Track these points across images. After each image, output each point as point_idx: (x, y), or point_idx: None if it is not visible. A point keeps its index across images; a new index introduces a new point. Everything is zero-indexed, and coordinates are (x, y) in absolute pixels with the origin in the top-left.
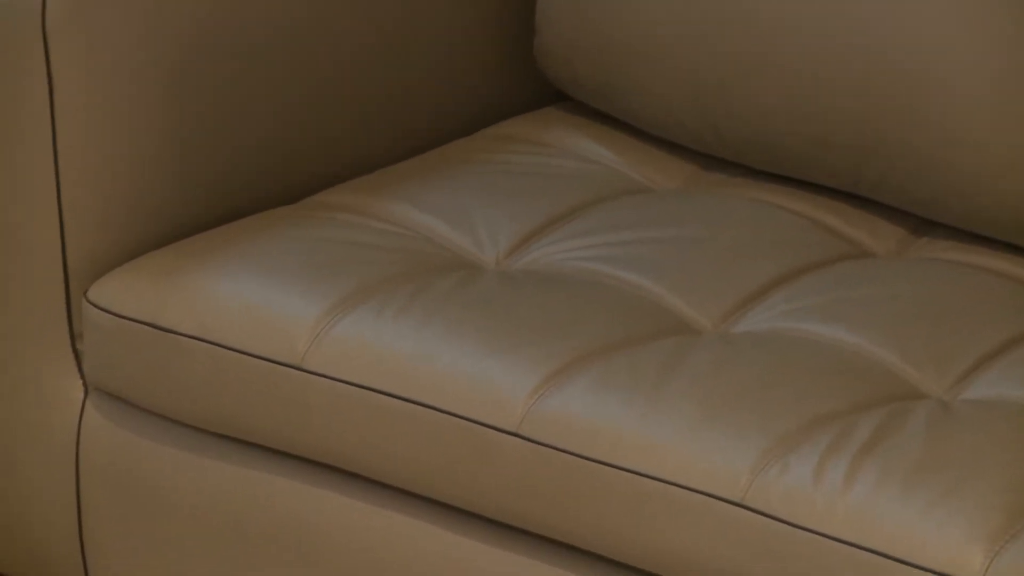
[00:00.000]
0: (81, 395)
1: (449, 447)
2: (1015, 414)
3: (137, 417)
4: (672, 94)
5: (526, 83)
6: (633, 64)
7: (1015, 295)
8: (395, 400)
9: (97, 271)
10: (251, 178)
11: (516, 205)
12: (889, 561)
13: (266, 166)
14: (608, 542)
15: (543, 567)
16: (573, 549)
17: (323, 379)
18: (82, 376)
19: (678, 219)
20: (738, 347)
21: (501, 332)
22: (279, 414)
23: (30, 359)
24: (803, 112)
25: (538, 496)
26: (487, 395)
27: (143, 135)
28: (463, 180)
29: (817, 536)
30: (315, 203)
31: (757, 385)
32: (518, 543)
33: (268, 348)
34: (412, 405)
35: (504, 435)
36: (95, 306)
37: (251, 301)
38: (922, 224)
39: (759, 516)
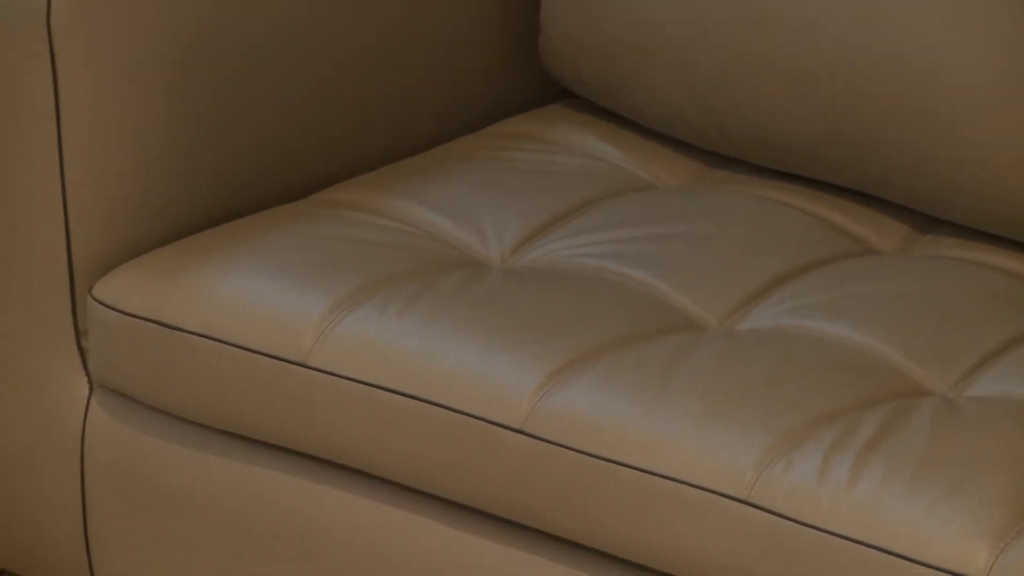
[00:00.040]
0: (86, 392)
1: (454, 444)
2: (1020, 411)
3: (142, 414)
4: (676, 91)
5: (531, 80)
6: (637, 61)
7: (1020, 292)
8: (400, 397)
9: (102, 268)
10: (255, 176)
11: (521, 202)
12: (894, 558)
13: (270, 164)
14: (612, 539)
15: (547, 564)
16: (577, 546)
17: (328, 376)
18: (87, 373)
19: (683, 216)
20: (743, 344)
21: (506, 329)
22: (284, 411)
23: (35, 356)
24: (807, 109)
25: (542, 493)
26: (492, 392)
27: (147, 133)
28: (468, 177)
29: (822, 533)
30: (320, 200)
31: (762, 382)
32: (522, 540)
33: (273, 345)
34: (417, 402)
35: (509, 432)
36: (100, 303)
37: (256, 298)
38: (927, 221)
39: (764, 513)
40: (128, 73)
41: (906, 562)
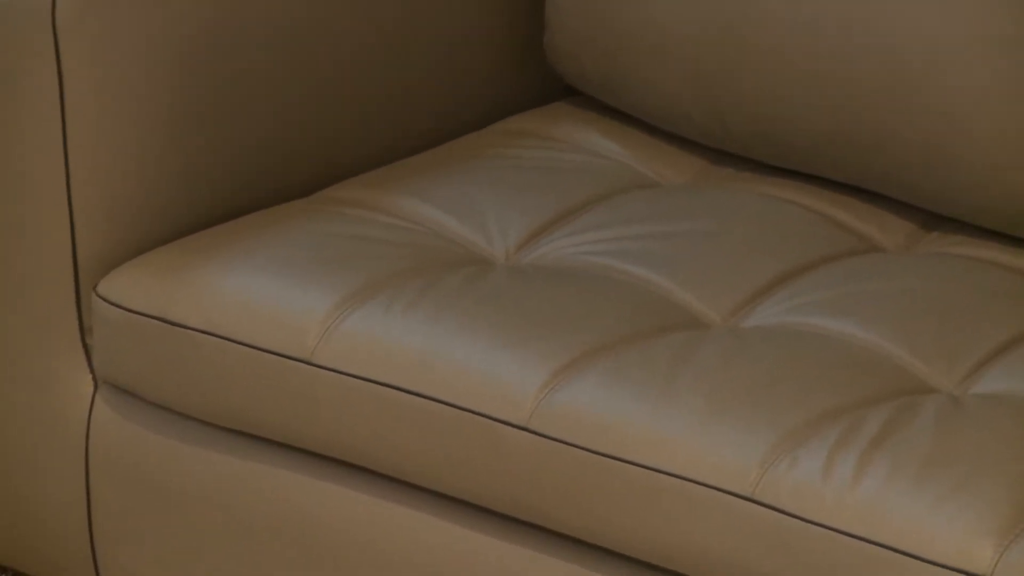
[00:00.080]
0: (91, 389)
1: (458, 441)
2: None
3: (146, 411)
4: (681, 89)
5: (535, 78)
6: (642, 59)
7: None
8: (405, 394)
9: (106, 266)
10: (259, 174)
11: (525, 200)
12: (898, 555)
13: (273, 162)
14: (617, 536)
15: (551, 561)
16: (582, 543)
17: (333, 373)
18: (91, 370)
19: (687, 214)
20: (747, 341)
21: (510, 327)
22: (288, 408)
23: (40, 354)
24: (811, 107)
25: (547, 490)
26: (497, 389)
27: (151, 132)
28: (472, 175)
29: (826, 530)
30: (324, 198)
31: (767, 379)
32: (527, 537)
33: (277, 343)
34: (422, 399)
35: (513, 429)
36: (105, 300)
37: (260, 295)
38: (931, 219)
39: (769, 510)
40: (132, 72)
41: (911, 559)
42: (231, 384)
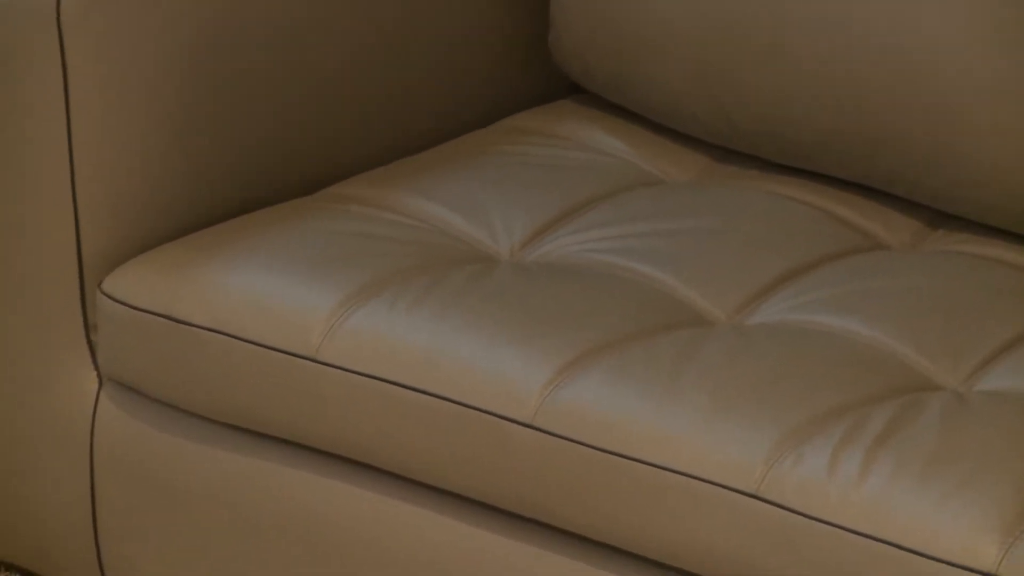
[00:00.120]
0: (95, 386)
1: (463, 439)
2: None
3: (151, 408)
4: (686, 86)
5: (540, 76)
6: (647, 56)
7: None
8: (409, 392)
9: (111, 263)
10: (264, 171)
11: (530, 197)
12: (903, 552)
13: (279, 159)
14: (622, 533)
15: (556, 558)
16: (586, 540)
17: (337, 371)
18: (96, 367)
19: (692, 211)
20: (752, 339)
21: (515, 324)
22: (293, 405)
23: (45, 351)
24: (816, 104)
25: (551, 487)
26: (501, 387)
27: (156, 130)
28: (477, 172)
29: (831, 527)
30: (329, 195)
31: (771, 377)
32: (532, 534)
33: (282, 340)
34: (426, 397)
35: (518, 426)
36: (109, 298)
37: (265, 293)
38: (937, 217)
39: (773, 507)
40: (137, 70)
41: (916, 556)
42: (235, 381)
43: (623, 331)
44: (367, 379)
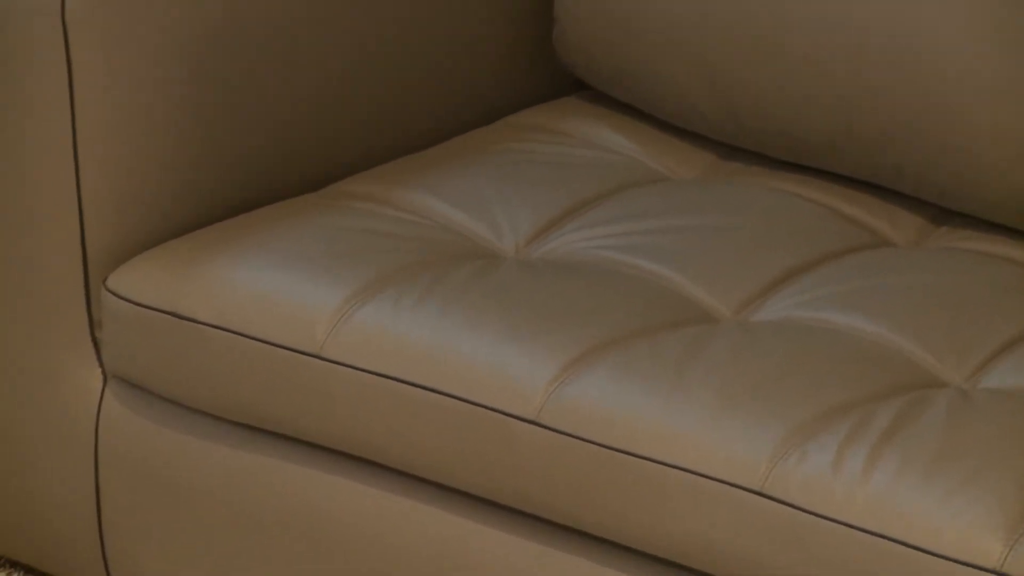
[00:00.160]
0: (100, 383)
1: (468, 435)
2: None
3: (155, 405)
4: (691, 83)
5: (545, 72)
6: (652, 53)
7: None
8: (413, 388)
9: (116, 260)
10: (269, 168)
11: (535, 194)
12: (908, 549)
13: (284, 156)
14: (627, 530)
15: (560, 555)
16: (591, 537)
17: (342, 367)
18: (101, 364)
19: (697, 208)
20: (757, 336)
21: (520, 321)
22: (298, 402)
23: (49, 348)
24: (822, 101)
25: (556, 484)
26: (506, 383)
27: (161, 126)
28: (482, 169)
29: (836, 524)
30: (334, 192)
31: (776, 374)
32: (536, 531)
33: (287, 336)
34: (430, 393)
35: (523, 423)
36: (114, 294)
37: (269, 289)
38: (941, 214)
39: (778, 504)
40: (142, 66)
41: (921, 553)
42: (240, 378)
43: (628, 328)
44: (371, 375)
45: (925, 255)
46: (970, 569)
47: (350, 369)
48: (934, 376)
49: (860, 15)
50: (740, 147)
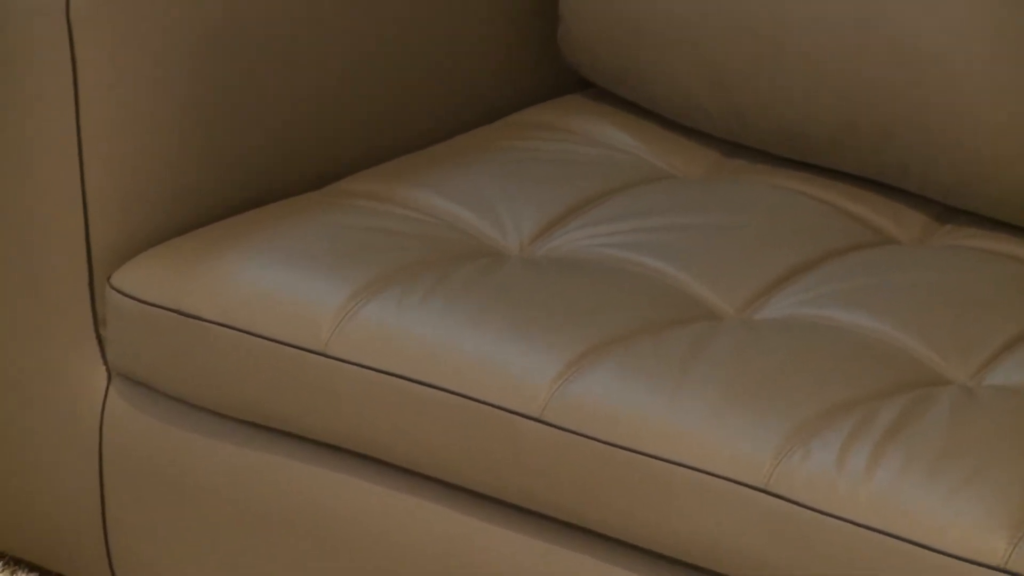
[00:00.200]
0: (104, 381)
1: (472, 433)
2: None
3: (160, 403)
4: (695, 81)
5: (549, 70)
6: (657, 51)
7: None
8: (417, 386)
9: (120, 257)
10: (273, 165)
11: (539, 192)
12: (912, 547)
13: (288, 154)
14: (631, 527)
15: (565, 552)
16: (595, 535)
17: (346, 365)
18: (105, 362)
19: (702, 206)
20: (761, 333)
21: (524, 318)
22: (302, 400)
23: (54, 345)
24: (826, 98)
25: (560, 482)
26: (510, 381)
27: (165, 124)
28: (486, 167)
29: (840, 522)
30: (338, 190)
31: (780, 371)
32: (540, 529)
33: (291, 334)
34: (434, 391)
35: (527, 421)
36: (119, 292)
37: (274, 287)
38: (946, 211)
39: (782, 501)
40: (147, 64)
41: (924, 551)
42: (244, 376)
43: (632, 325)
44: (376, 373)
45: (929, 253)
46: (974, 566)
47: (355, 367)
48: (938, 374)
49: (862, 13)
50: (744, 145)
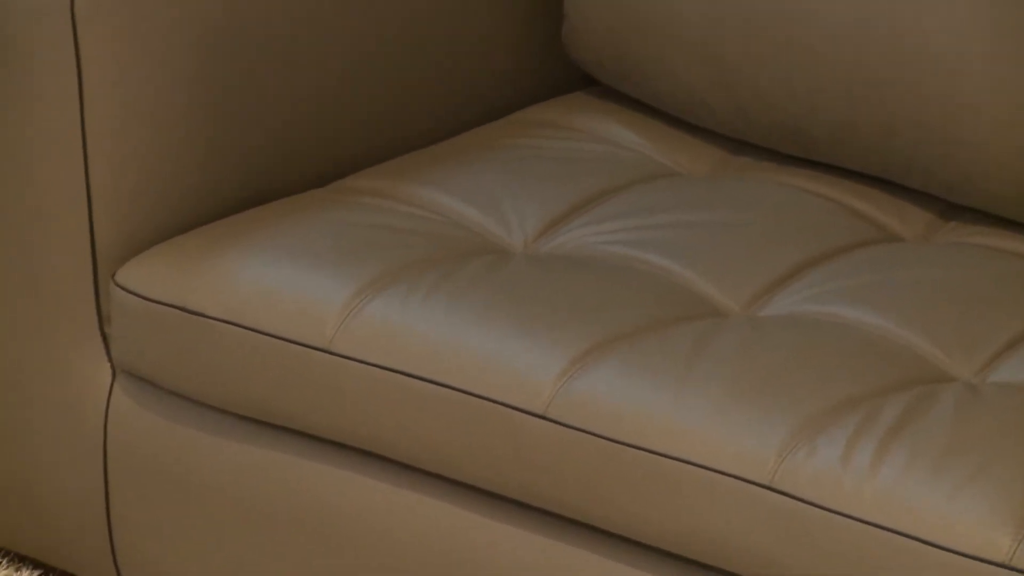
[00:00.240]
0: (109, 378)
1: (477, 430)
2: None
3: (165, 400)
4: (701, 78)
5: (554, 68)
6: (661, 49)
7: None
8: (422, 383)
9: (125, 255)
10: (277, 162)
11: (544, 189)
12: (916, 543)
13: (292, 151)
14: (635, 524)
15: (569, 549)
16: (599, 531)
17: (351, 362)
18: (110, 359)
19: (706, 204)
20: (766, 330)
21: (529, 315)
22: (307, 397)
23: (59, 342)
24: (831, 96)
25: (565, 479)
26: (515, 378)
27: (170, 122)
28: (491, 165)
29: (844, 518)
30: (342, 187)
31: (785, 368)
32: (545, 525)
33: (296, 331)
34: (438, 387)
35: (532, 418)
36: (123, 289)
37: (278, 284)
38: (950, 208)
39: (787, 498)
40: (151, 62)
41: (928, 547)
42: (249, 373)
43: (637, 322)
44: (380, 370)
45: (934, 250)
46: (978, 563)
47: (359, 364)
48: (942, 371)
49: (863, 12)
50: (749, 142)
